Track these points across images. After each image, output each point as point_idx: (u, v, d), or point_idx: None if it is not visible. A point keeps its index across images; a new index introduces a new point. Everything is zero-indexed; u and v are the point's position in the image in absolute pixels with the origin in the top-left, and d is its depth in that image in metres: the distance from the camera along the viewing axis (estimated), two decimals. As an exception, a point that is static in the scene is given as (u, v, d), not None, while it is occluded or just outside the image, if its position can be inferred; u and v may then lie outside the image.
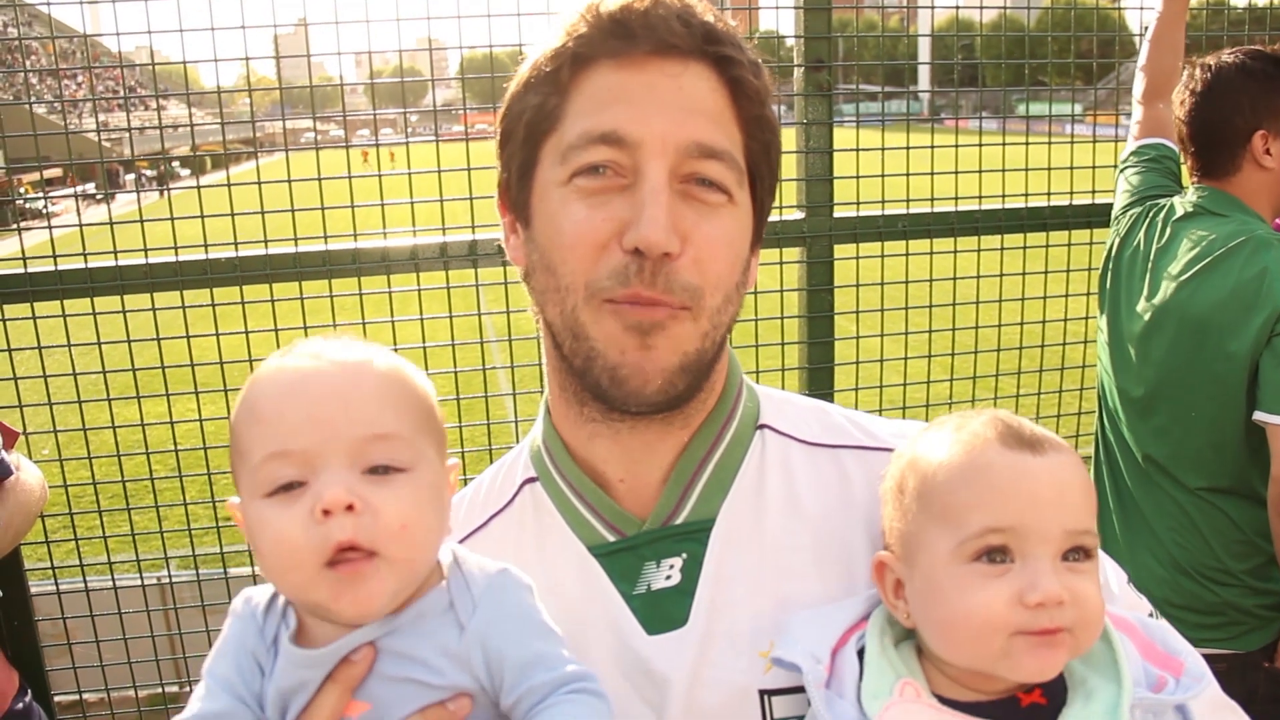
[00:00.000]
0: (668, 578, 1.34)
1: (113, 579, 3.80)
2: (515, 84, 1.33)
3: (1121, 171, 3.49)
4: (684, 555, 1.35)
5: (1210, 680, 1.24)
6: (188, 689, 4.13)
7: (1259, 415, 2.81)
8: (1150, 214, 3.24)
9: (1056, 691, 1.21)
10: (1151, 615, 1.38)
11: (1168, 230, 3.13)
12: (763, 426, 1.45)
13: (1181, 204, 3.15)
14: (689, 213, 1.22)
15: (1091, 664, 1.23)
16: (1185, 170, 3.28)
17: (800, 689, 1.26)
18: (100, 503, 3.73)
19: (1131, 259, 3.23)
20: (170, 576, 4.08)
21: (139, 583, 3.89)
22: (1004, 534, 1.18)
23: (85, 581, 3.79)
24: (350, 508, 1.07)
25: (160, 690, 4.15)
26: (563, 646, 1.19)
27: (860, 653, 1.27)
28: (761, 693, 1.30)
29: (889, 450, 1.40)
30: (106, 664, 3.85)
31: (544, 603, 1.21)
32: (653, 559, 1.35)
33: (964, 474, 1.22)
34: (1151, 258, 3.14)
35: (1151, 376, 3.09)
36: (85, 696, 4.10)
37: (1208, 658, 1.29)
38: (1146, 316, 3.09)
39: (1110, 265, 3.33)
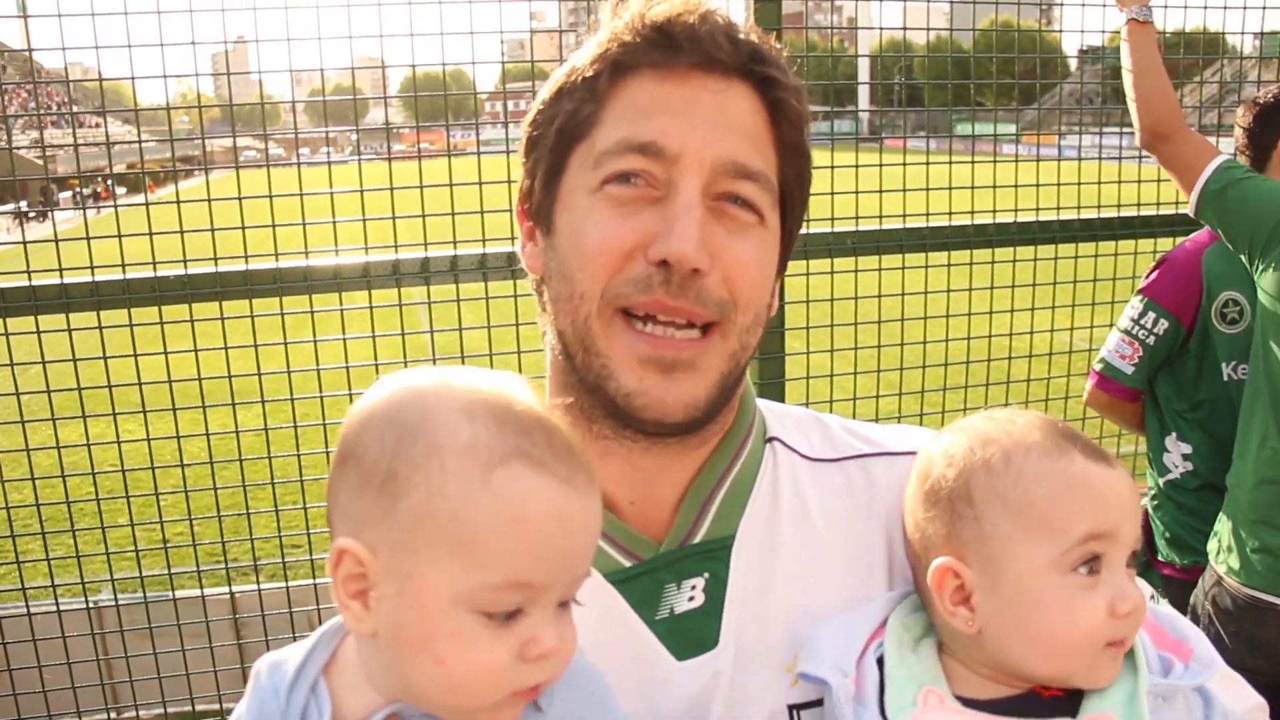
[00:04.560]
0: (690, 599, 1.30)
1: (56, 602, 3.71)
2: (547, 90, 1.30)
3: (1233, 183, 3.24)
4: (706, 575, 1.31)
5: (1221, 663, 1.27)
6: (131, 714, 4.05)
7: None
8: None
9: None
10: (1152, 598, 1.40)
11: None
12: (772, 440, 1.43)
13: None
14: (720, 231, 1.21)
15: None
16: None
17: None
18: (43, 524, 3.64)
19: None
20: (116, 599, 4.00)
21: (83, 606, 3.81)
22: (1103, 540, 1.20)
23: (27, 605, 3.71)
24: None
25: (106, 716, 4.07)
26: None
27: (880, 660, 1.26)
28: (790, 708, 1.28)
29: (897, 454, 1.40)
30: (49, 689, 3.76)
31: None
32: (673, 580, 1.31)
33: (1063, 482, 1.22)
34: None
35: None
36: (25, 726, 4.00)
37: None
38: None
39: None
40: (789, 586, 1.33)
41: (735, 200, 1.22)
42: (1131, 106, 3.43)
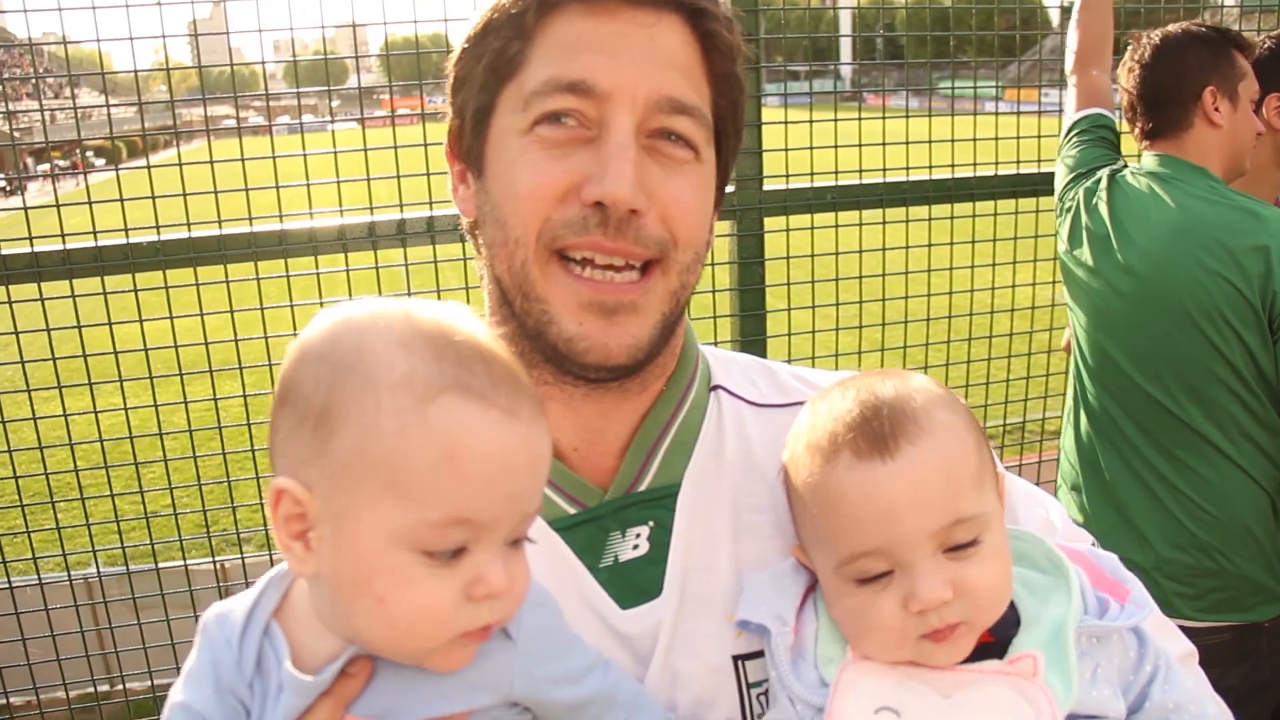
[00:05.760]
0: (635, 547, 1.29)
1: (38, 576, 3.69)
2: (473, 26, 1.26)
3: (1064, 144, 3.50)
4: (651, 523, 1.31)
5: (1154, 606, 1.27)
6: (119, 686, 4.04)
7: None
8: (1103, 183, 3.23)
9: (1007, 626, 1.22)
10: (1094, 544, 1.41)
11: (1130, 195, 3.14)
12: (716, 388, 1.42)
13: (1135, 171, 3.18)
14: (655, 169, 1.19)
15: (1045, 598, 1.24)
16: (1132, 137, 3.32)
17: None
18: (22, 498, 3.61)
19: (1096, 230, 3.20)
20: (99, 572, 3.98)
21: (66, 579, 3.79)
22: (871, 556, 1.17)
23: (9, 579, 3.68)
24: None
25: (92, 689, 4.06)
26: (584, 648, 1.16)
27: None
28: (735, 658, 1.28)
29: None
30: (33, 663, 3.75)
31: None
32: (618, 529, 1.30)
33: (822, 501, 1.19)
34: (1117, 223, 3.14)
35: None
36: (11, 699, 3.98)
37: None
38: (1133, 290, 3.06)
39: (1075, 241, 3.28)
40: (735, 535, 1.32)
41: (669, 136, 1.20)
42: (1070, 38, 3.59)
